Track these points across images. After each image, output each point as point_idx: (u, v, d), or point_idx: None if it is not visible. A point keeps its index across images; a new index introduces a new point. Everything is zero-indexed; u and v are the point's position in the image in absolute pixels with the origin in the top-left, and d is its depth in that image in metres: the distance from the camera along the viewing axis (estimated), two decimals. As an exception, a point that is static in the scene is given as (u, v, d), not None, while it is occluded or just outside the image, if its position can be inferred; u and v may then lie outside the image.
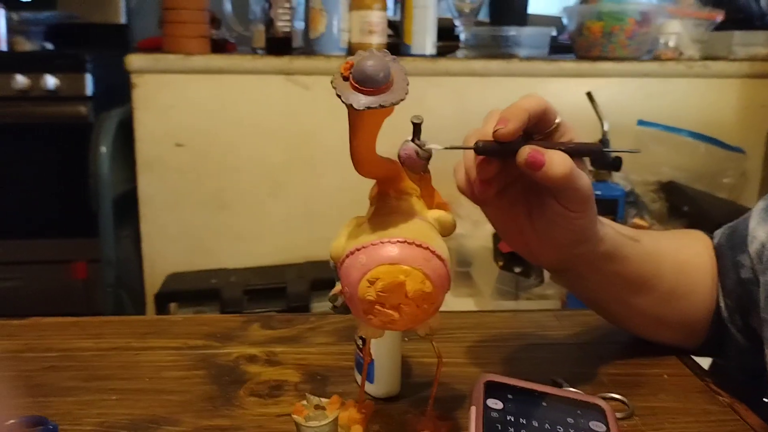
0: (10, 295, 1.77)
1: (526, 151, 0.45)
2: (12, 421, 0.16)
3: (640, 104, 1.61)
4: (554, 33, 1.69)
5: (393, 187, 0.43)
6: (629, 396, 0.54)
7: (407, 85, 0.38)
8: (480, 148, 0.46)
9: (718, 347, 0.61)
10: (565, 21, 1.72)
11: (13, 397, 0.16)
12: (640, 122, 1.56)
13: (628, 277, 0.55)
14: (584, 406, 0.46)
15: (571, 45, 1.69)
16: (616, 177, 1.33)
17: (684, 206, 1.44)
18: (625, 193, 1.31)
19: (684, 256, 0.60)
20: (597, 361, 0.60)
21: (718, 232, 0.62)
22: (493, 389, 0.45)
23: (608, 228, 0.53)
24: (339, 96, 0.37)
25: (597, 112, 1.30)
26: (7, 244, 1.80)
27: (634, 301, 0.57)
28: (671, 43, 1.63)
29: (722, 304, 0.59)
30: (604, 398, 0.50)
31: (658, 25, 1.61)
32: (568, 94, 1.60)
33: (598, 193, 1.27)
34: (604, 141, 1.28)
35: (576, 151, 0.48)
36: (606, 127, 1.29)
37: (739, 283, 0.58)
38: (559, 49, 1.76)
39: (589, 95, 1.31)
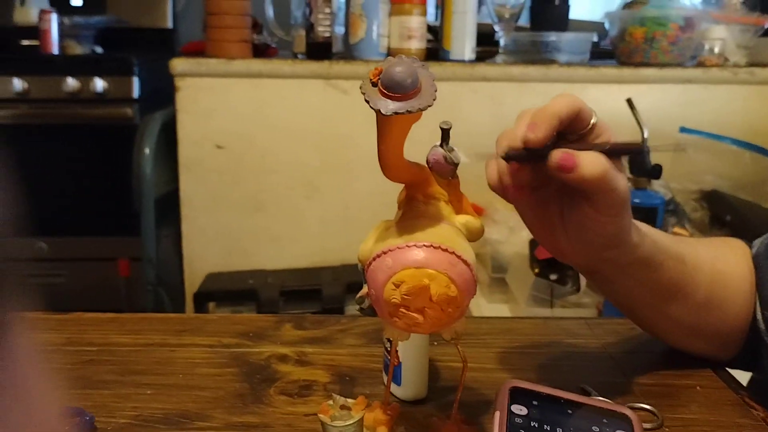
0: (57, 290, 1.83)
1: (557, 155, 0.45)
2: (54, 411, 0.17)
3: (683, 111, 1.58)
4: (595, 38, 1.67)
5: (421, 191, 0.44)
6: (659, 407, 0.53)
7: (435, 91, 0.39)
8: (509, 157, 0.46)
9: (752, 360, 0.60)
10: (607, 26, 1.70)
11: (56, 389, 0.17)
12: (682, 129, 1.53)
13: (662, 284, 0.54)
14: (611, 415, 0.46)
15: (613, 51, 1.66)
16: (656, 185, 1.31)
17: (727, 216, 1.40)
18: (665, 202, 1.29)
19: (721, 266, 0.58)
20: (628, 371, 0.59)
21: (757, 242, 0.61)
22: (518, 395, 0.46)
23: (644, 235, 0.52)
24: (367, 101, 0.37)
25: (637, 119, 1.28)
26: (55, 242, 1.86)
27: (667, 309, 0.56)
28: (716, 49, 1.59)
29: (759, 316, 0.58)
30: (633, 408, 0.49)
31: (702, 31, 1.58)
32: (609, 101, 1.57)
33: (637, 201, 1.25)
34: (643, 148, 1.26)
35: (613, 152, 0.47)
36: (646, 134, 1.27)
37: None
38: (600, 54, 1.74)
39: (629, 102, 1.29)
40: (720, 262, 0.59)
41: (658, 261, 0.53)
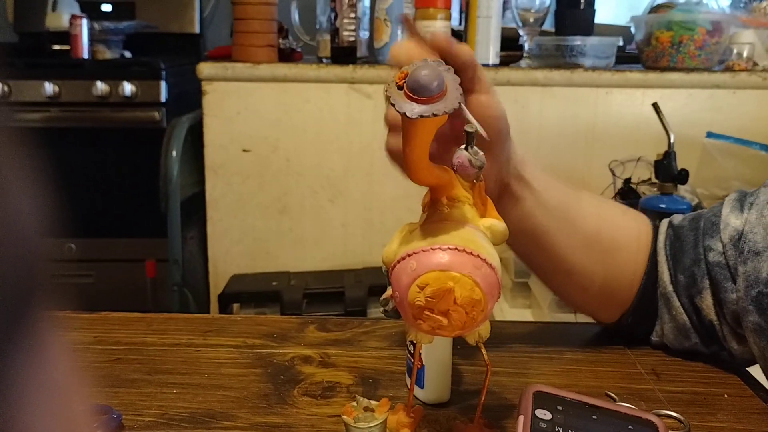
0: (85, 290, 1.85)
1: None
2: (82, 408, 0.18)
3: (710, 116, 1.56)
4: (621, 43, 1.66)
5: (445, 194, 0.44)
6: (686, 414, 0.52)
7: (461, 94, 0.39)
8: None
9: (643, 319, 0.63)
10: (632, 30, 1.69)
11: (85, 386, 0.18)
12: (709, 134, 1.51)
13: (552, 201, 0.58)
14: (636, 422, 0.46)
15: (639, 55, 1.65)
16: (682, 190, 1.30)
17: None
18: (692, 207, 1.27)
19: (609, 212, 0.63)
20: (654, 377, 0.59)
21: (678, 216, 0.65)
22: (542, 399, 0.45)
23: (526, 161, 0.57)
24: (393, 105, 0.38)
25: (663, 124, 1.27)
26: (83, 243, 1.88)
27: (559, 237, 0.59)
28: (744, 54, 1.57)
29: (667, 279, 0.61)
30: (659, 415, 0.49)
31: (730, 35, 1.55)
32: (634, 105, 1.56)
33: (663, 206, 1.24)
34: (670, 153, 1.25)
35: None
36: (672, 139, 1.26)
37: (696, 263, 0.59)
38: (625, 59, 1.73)
39: (655, 106, 1.28)
40: (608, 209, 0.63)
41: (545, 180, 0.58)
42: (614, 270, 0.62)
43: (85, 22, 1.90)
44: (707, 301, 0.59)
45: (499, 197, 0.56)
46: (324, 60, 1.65)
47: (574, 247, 0.60)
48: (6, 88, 1.83)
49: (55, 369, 0.16)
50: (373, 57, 1.61)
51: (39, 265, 0.15)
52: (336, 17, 1.54)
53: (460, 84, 0.49)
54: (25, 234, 0.14)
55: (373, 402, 0.46)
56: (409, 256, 0.40)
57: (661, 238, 0.62)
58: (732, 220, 0.58)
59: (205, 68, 1.56)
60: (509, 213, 0.57)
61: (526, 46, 1.63)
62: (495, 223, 0.44)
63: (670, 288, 0.61)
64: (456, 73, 0.49)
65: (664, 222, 0.64)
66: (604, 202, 0.65)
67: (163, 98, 1.82)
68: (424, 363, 0.53)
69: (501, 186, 0.56)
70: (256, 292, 1.52)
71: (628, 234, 0.62)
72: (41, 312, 0.15)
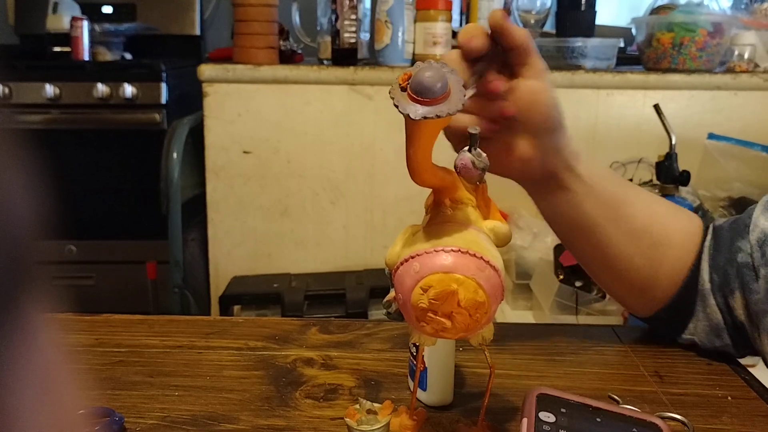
0: (86, 292, 1.85)
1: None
2: (82, 411, 0.18)
3: (711, 118, 1.56)
4: (622, 44, 1.66)
5: (449, 196, 0.44)
6: (690, 417, 0.52)
7: (464, 96, 0.39)
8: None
9: (678, 316, 0.62)
10: (633, 32, 1.69)
11: (84, 389, 0.18)
12: (711, 136, 1.51)
13: (605, 197, 0.58)
14: (640, 424, 0.45)
15: (640, 57, 1.65)
16: (684, 192, 1.29)
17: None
18: (693, 209, 1.27)
19: (661, 208, 0.62)
20: (658, 380, 0.59)
21: (721, 219, 0.65)
22: (545, 402, 0.45)
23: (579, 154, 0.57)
24: (396, 106, 0.38)
25: (664, 125, 1.26)
26: (84, 244, 1.88)
27: (607, 229, 0.58)
28: (746, 55, 1.57)
29: (706, 277, 0.61)
30: (663, 417, 0.49)
31: (731, 37, 1.56)
32: (635, 107, 1.56)
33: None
34: (671, 155, 1.25)
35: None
36: (674, 141, 1.26)
37: (730, 263, 0.59)
38: (626, 60, 1.73)
39: (657, 108, 1.28)
40: (660, 205, 0.63)
41: (599, 173, 0.58)
42: (659, 265, 0.61)
43: (85, 24, 1.90)
44: (738, 302, 0.59)
45: (543, 185, 0.57)
46: (325, 62, 1.65)
47: (620, 239, 0.59)
48: (7, 90, 1.83)
49: (50, 371, 0.16)
50: (374, 58, 1.61)
51: (29, 259, 0.15)
52: (337, 19, 1.53)
53: (511, 65, 0.49)
54: (15, 228, 0.14)
55: (375, 404, 0.46)
56: (412, 258, 0.40)
57: (708, 238, 0.62)
58: (762, 222, 0.58)
59: (205, 70, 1.56)
60: (555, 202, 0.58)
61: (527, 48, 1.63)
62: (498, 225, 0.44)
63: (707, 286, 0.61)
64: (509, 54, 0.52)
65: (712, 224, 0.64)
66: (658, 200, 0.65)
67: (163, 100, 1.82)
68: (426, 365, 0.52)
69: (547, 174, 0.56)
70: (257, 294, 1.52)
71: (679, 232, 0.62)
72: (30, 302, 0.15)
